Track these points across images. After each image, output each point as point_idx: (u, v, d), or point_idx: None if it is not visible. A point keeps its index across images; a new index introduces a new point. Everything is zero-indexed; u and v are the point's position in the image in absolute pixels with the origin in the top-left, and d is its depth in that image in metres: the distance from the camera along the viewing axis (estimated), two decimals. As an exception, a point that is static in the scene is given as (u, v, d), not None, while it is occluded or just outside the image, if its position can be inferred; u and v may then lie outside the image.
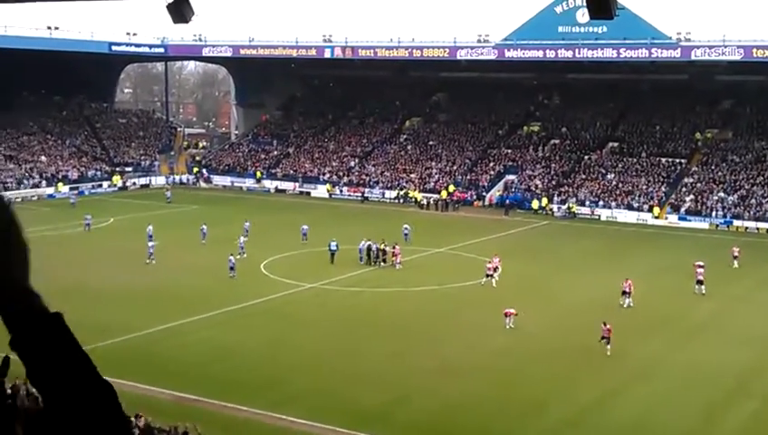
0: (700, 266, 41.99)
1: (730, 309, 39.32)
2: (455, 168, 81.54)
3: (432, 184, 79.25)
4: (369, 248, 47.53)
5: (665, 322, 36.13)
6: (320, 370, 28.90)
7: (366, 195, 79.52)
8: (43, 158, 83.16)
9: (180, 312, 35.59)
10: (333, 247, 47.33)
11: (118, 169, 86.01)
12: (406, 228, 54.76)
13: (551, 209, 71.72)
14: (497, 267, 42.78)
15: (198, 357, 30.22)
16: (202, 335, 32.96)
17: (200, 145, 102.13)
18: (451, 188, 77.12)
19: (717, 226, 65.74)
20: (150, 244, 47.66)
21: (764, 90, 79.23)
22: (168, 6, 18.22)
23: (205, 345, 31.59)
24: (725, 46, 70.16)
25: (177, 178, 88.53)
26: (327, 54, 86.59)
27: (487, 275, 42.40)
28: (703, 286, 41.12)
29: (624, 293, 38.43)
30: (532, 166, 79.53)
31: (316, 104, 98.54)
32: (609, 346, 30.56)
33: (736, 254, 49.26)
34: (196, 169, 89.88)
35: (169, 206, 70.77)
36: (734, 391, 27.94)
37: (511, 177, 78.54)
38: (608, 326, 30.82)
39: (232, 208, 68.73)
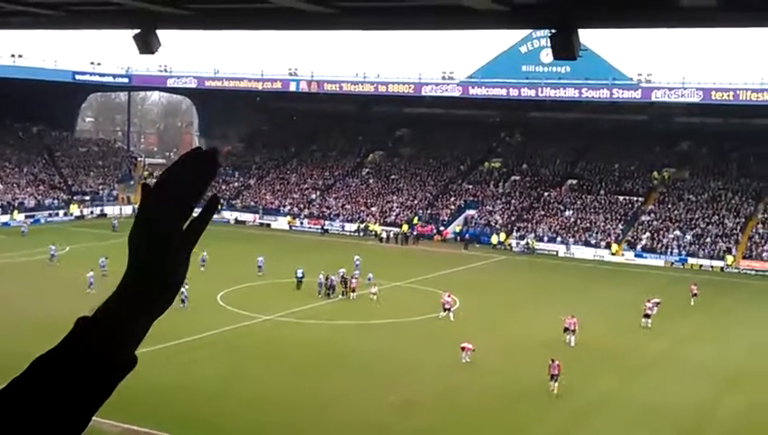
0: (649, 301, 42.89)
1: (682, 346, 39.68)
2: (415, 202, 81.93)
3: (393, 217, 79.47)
4: (327, 280, 47.52)
5: (618, 358, 36.36)
6: (273, 404, 28.61)
7: (326, 227, 79.49)
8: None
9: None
10: (300, 275, 47.85)
11: (75, 197, 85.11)
12: (357, 259, 54.76)
13: (509, 244, 72.24)
14: (454, 301, 42.84)
15: (150, 389, 29.68)
16: (154, 367, 32.42)
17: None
18: (415, 220, 77.45)
19: (672, 263, 66.64)
20: (90, 274, 46.63)
21: (721, 132, 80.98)
22: (134, 37, 18.18)
23: (157, 377, 31.07)
24: (685, 88, 71.65)
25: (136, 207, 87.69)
26: (292, 88, 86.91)
27: (445, 310, 42.46)
28: (649, 320, 41.86)
29: (566, 329, 38.50)
30: (493, 201, 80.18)
31: (279, 137, 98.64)
32: (556, 384, 30.18)
33: (695, 291, 49.96)
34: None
35: (121, 235, 69.97)
36: (689, 429, 28.12)
37: (471, 212, 79.06)
38: (556, 362, 30.56)
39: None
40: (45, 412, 1.66)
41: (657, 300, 46.05)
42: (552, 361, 30.74)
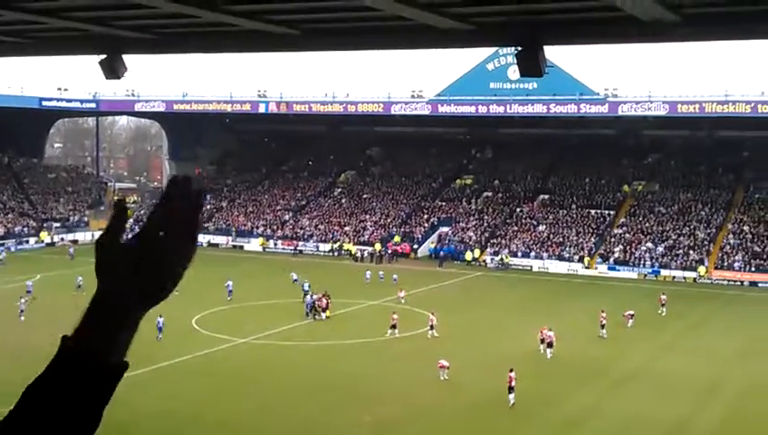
0: (603, 311, 43.87)
1: (658, 357, 39.83)
2: (389, 220, 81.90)
3: (366, 236, 79.36)
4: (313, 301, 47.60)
5: (595, 371, 36.46)
6: (248, 428, 28.30)
7: (300, 248, 79.16)
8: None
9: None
10: (306, 288, 50.12)
11: (45, 224, 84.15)
12: (294, 276, 55.48)
13: (483, 261, 72.38)
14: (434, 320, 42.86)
15: (126, 415, 29.27)
16: (131, 393, 32.02)
17: (131, 200, 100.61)
18: (396, 238, 77.39)
19: (646, 275, 67.09)
20: (23, 299, 46.25)
21: (689, 144, 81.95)
22: (100, 62, 18.08)
23: (133, 404, 30.65)
24: (651, 102, 72.40)
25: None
26: (261, 109, 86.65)
27: (431, 327, 42.41)
28: (604, 330, 42.84)
29: (542, 341, 38.72)
30: (466, 218, 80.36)
31: (250, 158, 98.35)
32: (512, 396, 30.10)
33: (664, 301, 50.55)
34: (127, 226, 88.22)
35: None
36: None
37: (445, 229, 79.16)
38: (512, 374, 30.46)
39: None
40: (54, 429, 1.75)
41: (632, 312, 46.41)
42: (511, 370, 30.65)
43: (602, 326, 43.00)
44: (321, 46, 19.12)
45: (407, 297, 51.90)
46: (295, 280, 55.21)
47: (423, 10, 14.23)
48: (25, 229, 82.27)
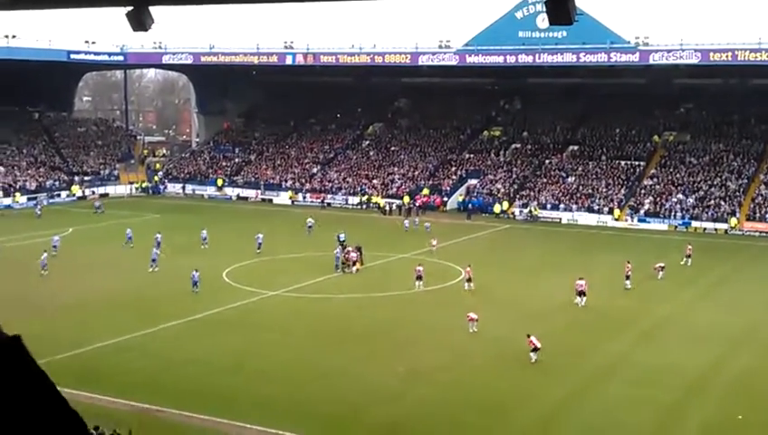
0: (629, 263, 43.95)
1: (687, 308, 39.79)
2: (417, 173, 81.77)
3: (395, 189, 79.38)
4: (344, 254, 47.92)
5: (625, 321, 36.54)
6: (283, 378, 28.72)
7: (328, 201, 79.41)
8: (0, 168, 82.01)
9: (141, 322, 35.20)
10: (342, 238, 51.49)
11: (76, 178, 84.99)
12: (310, 222, 55.68)
13: (512, 213, 72.24)
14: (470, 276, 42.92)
15: (162, 367, 29.94)
16: (165, 345, 32.64)
17: (160, 153, 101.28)
18: (425, 191, 77.43)
19: (676, 227, 66.68)
20: (155, 250, 47.53)
21: (721, 93, 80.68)
22: (127, 14, 18.05)
23: (168, 355, 31.29)
24: (683, 50, 71.13)
25: (136, 186, 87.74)
26: (288, 61, 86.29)
27: (468, 280, 42.59)
28: (629, 281, 42.89)
29: (579, 293, 38.91)
30: (494, 170, 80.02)
31: (278, 111, 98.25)
32: (534, 355, 30.01)
33: (689, 251, 50.58)
34: (156, 178, 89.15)
35: (125, 215, 69.90)
36: (695, 390, 28.27)
37: (473, 181, 78.94)
38: (530, 338, 30.26)
39: (192, 217, 68.19)
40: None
41: (662, 264, 46.25)
42: (528, 336, 30.54)
43: (627, 278, 43.03)
44: None
45: (437, 249, 52.10)
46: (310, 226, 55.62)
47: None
48: (57, 183, 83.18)
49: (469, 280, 42.53)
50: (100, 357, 30.77)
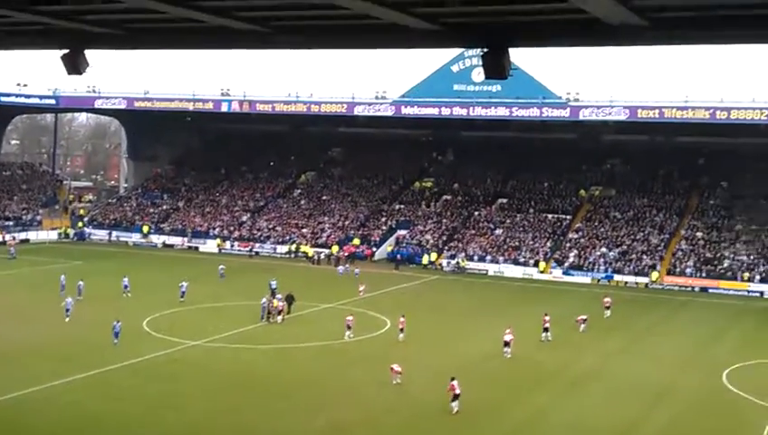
0: (546, 315, 44.25)
1: (609, 361, 40.22)
2: (347, 223, 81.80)
3: (324, 238, 79.19)
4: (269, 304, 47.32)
5: (548, 374, 36.72)
6: (201, 431, 28.00)
7: (256, 250, 78.72)
8: None
9: (57, 372, 34.00)
10: (273, 286, 52.30)
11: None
12: (273, 283, 54.18)
13: (440, 264, 72.64)
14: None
15: (74, 421, 28.86)
16: (79, 396, 31.55)
17: (86, 199, 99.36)
18: (356, 241, 77.41)
19: (599, 280, 67.79)
20: (69, 299, 45.71)
21: (647, 149, 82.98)
22: (62, 57, 17.82)
23: (82, 407, 30.24)
24: (612, 107, 73.08)
25: (60, 232, 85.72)
26: (224, 108, 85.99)
27: (401, 330, 42.54)
28: (548, 333, 43.19)
29: (506, 344, 39.17)
30: (424, 221, 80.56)
31: (210, 158, 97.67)
32: (456, 403, 29.99)
33: (608, 304, 51.59)
34: (81, 224, 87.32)
35: (42, 262, 68.13)
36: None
37: (402, 232, 79.28)
38: (454, 382, 30.36)
39: (115, 263, 66.87)
40: None
41: (584, 317, 46.87)
42: (453, 379, 30.64)
43: (545, 330, 43.40)
44: (290, 44, 18.98)
45: (365, 296, 51.97)
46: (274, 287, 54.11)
47: (391, 9, 14.21)
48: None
49: (402, 330, 42.43)
50: (8, 410, 29.58)
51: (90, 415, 29.38)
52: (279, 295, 49.32)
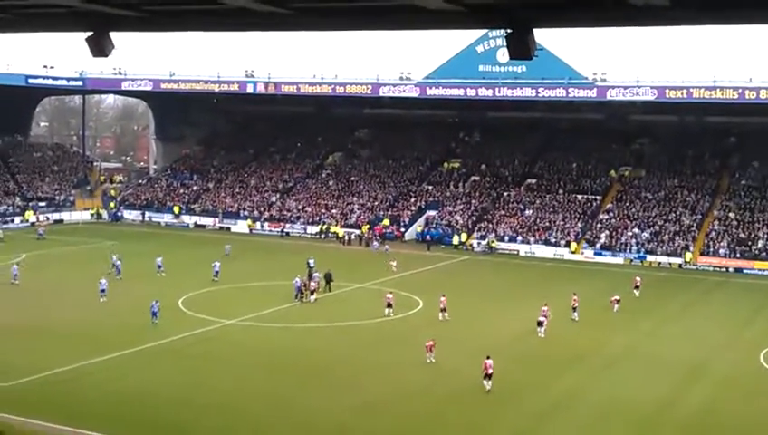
0: (575, 295, 44.42)
1: (643, 341, 40.05)
2: (376, 203, 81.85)
3: (354, 219, 79.32)
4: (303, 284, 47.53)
5: (582, 354, 36.65)
6: (233, 409, 28.24)
7: (287, 230, 79.07)
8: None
9: (95, 350, 34.51)
10: (311, 264, 53.19)
11: (31, 203, 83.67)
12: (311, 261, 54.37)
13: (470, 245, 72.55)
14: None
15: (113, 397, 29.26)
16: (116, 374, 32.01)
17: (117, 180, 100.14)
18: (385, 222, 77.50)
19: (631, 260, 67.39)
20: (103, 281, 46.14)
21: (676, 129, 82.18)
22: (86, 40, 17.82)
23: (119, 385, 30.66)
24: (639, 87, 72.43)
25: (92, 212, 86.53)
26: (249, 90, 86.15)
27: (442, 310, 42.65)
28: (576, 313, 43.30)
29: (539, 323, 39.27)
30: (453, 202, 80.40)
31: (238, 139, 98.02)
32: (489, 382, 30.13)
33: (638, 283, 51.60)
34: (112, 205, 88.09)
35: (80, 242, 68.87)
36: (649, 425, 28.36)
37: (432, 212, 79.20)
38: (489, 361, 30.41)
39: (147, 244, 67.43)
40: None
41: (618, 297, 46.67)
42: (488, 357, 30.67)
43: (574, 309, 43.43)
44: (310, 26, 18.88)
45: (397, 270, 52.53)
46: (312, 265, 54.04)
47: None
48: (10, 208, 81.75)
49: (443, 310, 42.52)
50: (52, 385, 30.06)
51: (126, 393, 29.72)
52: (316, 274, 49.60)
